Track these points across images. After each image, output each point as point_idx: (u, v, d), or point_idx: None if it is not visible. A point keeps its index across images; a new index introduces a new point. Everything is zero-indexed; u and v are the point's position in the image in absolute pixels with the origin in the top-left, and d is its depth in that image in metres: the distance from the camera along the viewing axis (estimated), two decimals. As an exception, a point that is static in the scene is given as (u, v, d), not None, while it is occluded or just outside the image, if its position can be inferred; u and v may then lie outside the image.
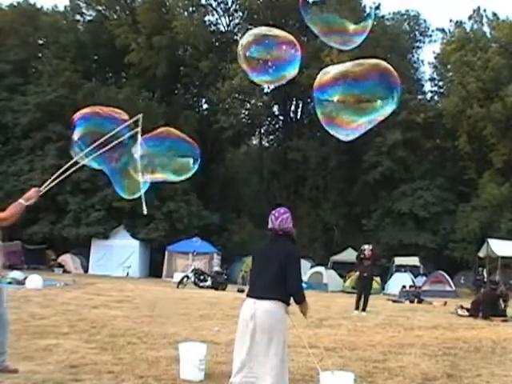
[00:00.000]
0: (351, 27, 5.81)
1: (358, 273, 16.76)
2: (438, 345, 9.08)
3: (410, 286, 23.01)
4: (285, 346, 4.45)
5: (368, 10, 37.39)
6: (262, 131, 45.18)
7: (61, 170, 5.33)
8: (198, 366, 5.99)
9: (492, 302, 14.44)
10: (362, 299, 14.60)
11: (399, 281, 25.10)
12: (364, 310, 14.43)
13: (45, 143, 33.35)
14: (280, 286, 4.40)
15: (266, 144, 46.74)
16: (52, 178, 5.37)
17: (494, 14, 37.84)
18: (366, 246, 15.27)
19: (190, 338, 8.05)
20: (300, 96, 41.93)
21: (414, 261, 30.86)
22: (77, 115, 5.72)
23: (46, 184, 5.45)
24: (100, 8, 41.22)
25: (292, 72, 5.86)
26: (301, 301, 4.53)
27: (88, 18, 41.68)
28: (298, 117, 44.03)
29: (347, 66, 5.59)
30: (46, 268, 29.50)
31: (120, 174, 5.77)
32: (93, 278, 24.65)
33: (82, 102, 34.91)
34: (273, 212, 4.66)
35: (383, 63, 5.50)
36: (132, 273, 30.49)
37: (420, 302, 20.84)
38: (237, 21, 42.69)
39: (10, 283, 16.73)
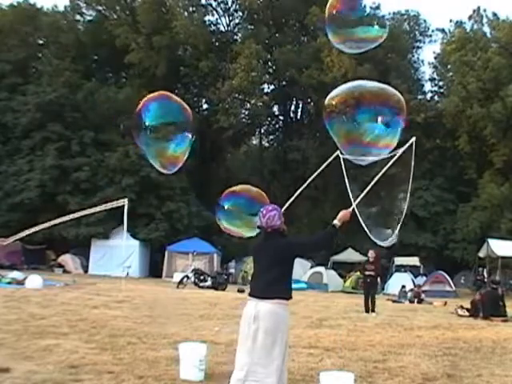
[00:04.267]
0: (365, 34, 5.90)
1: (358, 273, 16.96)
2: (438, 345, 9.07)
3: (414, 286, 23.06)
4: (287, 345, 4.46)
5: (368, 10, 37.33)
6: (262, 131, 45.16)
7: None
8: (198, 366, 5.98)
9: (493, 301, 14.43)
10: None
11: (399, 281, 25.11)
12: (373, 310, 14.58)
13: (45, 143, 33.31)
14: (279, 283, 4.41)
15: (266, 144, 46.71)
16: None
17: (494, 14, 37.84)
18: (371, 252, 15.45)
19: (190, 338, 8.05)
20: (300, 96, 41.95)
21: (414, 261, 30.89)
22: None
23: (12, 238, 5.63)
24: (100, 8, 41.17)
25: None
26: (331, 236, 4.55)
27: (88, 17, 41.63)
28: (298, 117, 44.02)
29: None
30: (46, 268, 29.48)
31: None
32: (93, 278, 24.66)
33: (82, 101, 35.05)
34: (261, 209, 4.63)
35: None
36: (132, 273, 30.45)
37: (420, 302, 20.85)
38: (237, 21, 42.69)
39: (9, 283, 16.76)
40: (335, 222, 4.56)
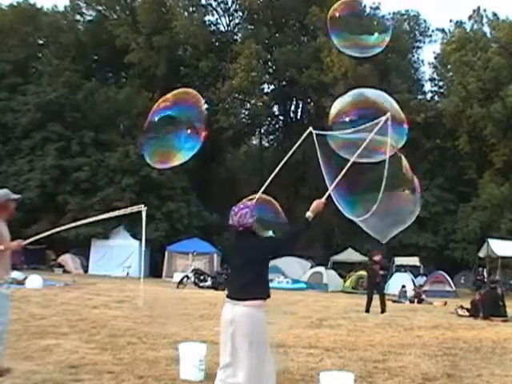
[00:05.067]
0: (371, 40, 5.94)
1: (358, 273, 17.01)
2: (438, 345, 9.07)
3: (414, 286, 23.08)
4: (267, 346, 4.34)
5: (368, 10, 37.42)
6: (262, 131, 45.16)
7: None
8: (198, 366, 5.98)
9: (493, 301, 14.43)
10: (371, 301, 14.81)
11: (399, 281, 25.10)
12: (383, 311, 14.60)
13: (45, 143, 33.31)
14: (254, 285, 4.31)
15: (266, 144, 46.72)
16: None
17: (494, 14, 37.85)
18: (376, 252, 15.56)
19: (189, 338, 8.05)
20: (300, 96, 41.93)
21: (414, 261, 30.88)
22: None
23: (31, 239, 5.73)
24: (100, 8, 41.20)
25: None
26: (305, 228, 4.56)
27: (88, 17, 41.68)
28: (298, 117, 44.00)
29: None
30: (46, 268, 29.47)
31: None
32: (93, 278, 24.66)
33: (82, 101, 35.04)
34: (233, 207, 4.53)
35: None
36: (132, 273, 30.45)
37: (420, 302, 20.86)
38: (237, 21, 42.70)
39: (10, 283, 16.74)
40: (308, 213, 4.50)
